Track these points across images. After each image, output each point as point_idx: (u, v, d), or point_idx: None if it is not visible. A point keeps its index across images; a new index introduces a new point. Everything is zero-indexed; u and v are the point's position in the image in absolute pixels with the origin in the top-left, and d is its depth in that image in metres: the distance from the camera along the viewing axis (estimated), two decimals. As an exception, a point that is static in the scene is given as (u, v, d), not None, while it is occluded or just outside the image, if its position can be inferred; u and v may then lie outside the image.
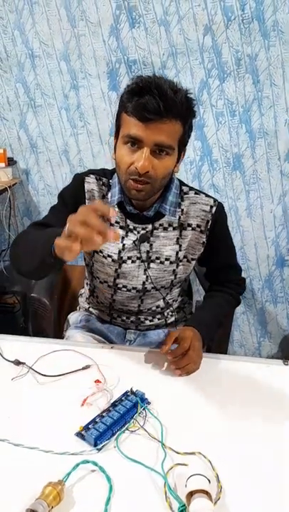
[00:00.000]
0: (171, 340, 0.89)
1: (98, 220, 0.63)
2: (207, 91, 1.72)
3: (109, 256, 1.03)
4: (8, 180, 1.84)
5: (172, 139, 0.87)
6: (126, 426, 0.72)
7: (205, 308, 1.06)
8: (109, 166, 1.86)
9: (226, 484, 0.62)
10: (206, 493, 0.56)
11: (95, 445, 0.67)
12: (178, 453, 0.67)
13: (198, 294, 1.59)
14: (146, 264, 1.02)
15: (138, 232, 1.00)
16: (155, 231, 1.01)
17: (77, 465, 0.63)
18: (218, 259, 1.08)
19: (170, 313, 1.15)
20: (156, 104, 0.81)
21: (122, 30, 1.67)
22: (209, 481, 0.58)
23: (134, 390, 0.80)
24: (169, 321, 1.16)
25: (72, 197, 1.01)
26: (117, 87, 1.75)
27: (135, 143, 0.85)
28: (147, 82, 0.83)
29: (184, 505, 0.57)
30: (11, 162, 1.87)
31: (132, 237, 1.00)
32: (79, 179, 1.02)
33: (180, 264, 1.04)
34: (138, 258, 1.02)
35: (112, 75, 1.74)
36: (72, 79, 1.77)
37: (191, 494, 0.57)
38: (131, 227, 1.00)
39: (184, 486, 0.59)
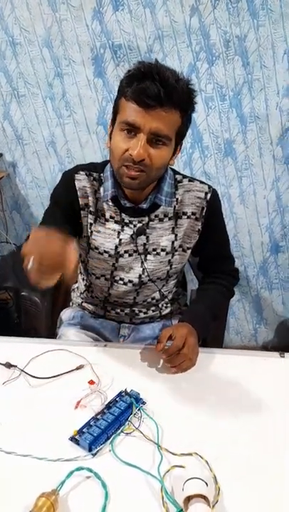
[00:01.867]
0: (166, 338, 0.87)
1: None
2: (196, 75, 1.67)
3: (105, 252, 1.00)
4: (-5, 174, 1.79)
5: (170, 129, 0.84)
6: (121, 428, 0.71)
7: (199, 302, 1.04)
8: (98, 156, 1.84)
9: (223, 486, 0.61)
10: (204, 497, 0.55)
11: (90, 450, 0.66)
12: (174, 454, 0.66)
13: (193, 283, 1.57)
14: (142, 256, 1.00)
15: (134, 226, 0.98)
16: (151, 223, 0.99)
17: (72, 472, 0.61)
18: (212, 247, 1.06)
19: (164, 305, 1.14)
20: (157, 90, 0.78)
21: (105, 13, 1.60)
22: (207, 484, 0.57)
23: (128, 390, 0.78)
24: (163, 313, 1.14)
25: (64, 197, 0.98)
26: (103, 74, 1.69)
27: (132, 130, 0.83)
28: (149, 68, 0.81)
29: (182, 510, 0.56)
30: (-4, 155, 1.81)
31: (128, 231, 0.98)
32: (68, 177, 0.98)
33: (175, 253, 1.02)
34: (135, 251, 1.00)
35: (97, 61, 1.67)
36: (56, 66, 1.70)
37: (188, 499, 0.55)
38: (126, 221, 0.98)
39: (181, 490, 0.57)
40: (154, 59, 0.85)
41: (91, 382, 0.81)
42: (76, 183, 0.97)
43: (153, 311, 1.13)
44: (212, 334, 1.17)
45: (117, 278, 1.04)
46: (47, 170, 1.88)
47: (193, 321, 0.94)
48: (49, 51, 1.68)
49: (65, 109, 1.76)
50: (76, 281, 1.25)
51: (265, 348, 2.12)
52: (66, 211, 0.97)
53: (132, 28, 1.62)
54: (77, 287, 1.22)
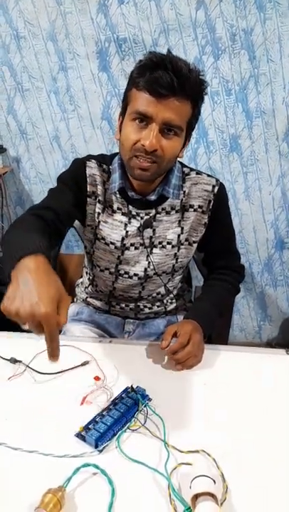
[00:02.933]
0: (170, 335, 0.86)
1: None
2: (201, 69, 1.64)
3: (112, 243, 1.00)
4: (-1, 169, 1.78)
5: (182, 120, 0.84)
6: (127, 425, 0.70)
7: (204, 299, 1.03)
8: (103, 151, 1.81)
9: (231, 483, 0.60)
10: (212, 495, 0.54)
11: (96, 446, 0.65)
12: (181, 451, 0.65)
13: (197, 279, 1.57)
14: (148, 250, 1.00)
15: (141, 218, 0.97)
16: (158, 215, 0.98)
17: (78, 469, 0.61)
18: (218, 241, 1.05)
19: (169, 301, 1.13)
20: (170, 79, 0.78)
21: (110, 6, 1.59)
22: (214, 481, 0.57)
23: (134, 386, 0.77)
24: (168, 309, 1.13)
25: (73, 180, 0.97)
26: (108, 68, 1.67)
27: (144, 120, 0.82)
28: (161, 58, 0.80)
29: (190, 507, 0.55)
30: (0, 150, 1.80)
31: (135, 223, 0.98)
32: (80, 163, 0.98)
33: (181, 247, 1.02)
34: (141, 244, 0.99)
35: (102, 55, 1.66)
36: (61, 60, 1.69)
37: (196, 497, 0.55)
38: (134, 213, 0.97)
39: (189, 488, 0.57)
40: (167, 49, 0.85)
41: (96, 378, 0.80)
42: (87, 169, 0.97)
43: (158, 306, 1.12)
44: (217, 331, 1.16)
45: (122, 272, 1.03)
46: (51, 165, 1.87)
47: (198, 318, 0.93)
48: (53, 45, 1.66)
49: (70, 103, 1.75)
50: (80, 276, 1.24)
51: (270, 344, 2.11)
52: (74, 193, 0.96)
53: (137, 22, 1.60)
54: (82, 282, 1.22)
